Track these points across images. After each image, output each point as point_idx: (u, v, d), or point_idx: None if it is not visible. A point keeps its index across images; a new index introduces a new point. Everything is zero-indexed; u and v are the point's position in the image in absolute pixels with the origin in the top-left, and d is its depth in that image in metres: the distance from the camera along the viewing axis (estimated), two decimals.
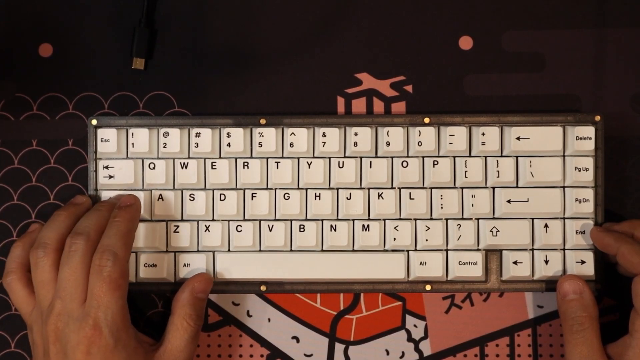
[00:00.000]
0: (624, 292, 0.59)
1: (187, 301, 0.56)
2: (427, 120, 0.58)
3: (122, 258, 0.53)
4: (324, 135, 0.58)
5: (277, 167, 0.58)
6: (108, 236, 0.53)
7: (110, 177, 0.58)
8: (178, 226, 0.58)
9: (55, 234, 0.54)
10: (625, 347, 0.53)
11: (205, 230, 0.58)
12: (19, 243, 0.56)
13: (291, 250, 0.58)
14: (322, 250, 0.58)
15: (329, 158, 0.58)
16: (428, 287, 0.58)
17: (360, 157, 0.58)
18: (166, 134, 0.58)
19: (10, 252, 0.56)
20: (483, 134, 0.58)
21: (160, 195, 0.58)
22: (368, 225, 0.58)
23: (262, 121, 0.58)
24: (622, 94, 0.60)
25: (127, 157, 0.58)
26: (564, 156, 0.58)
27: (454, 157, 0.58)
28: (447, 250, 0.58)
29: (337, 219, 0.58)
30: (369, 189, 0.58)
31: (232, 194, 0.58)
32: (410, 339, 0.60)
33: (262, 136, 0.58)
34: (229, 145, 0.58)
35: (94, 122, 0.58)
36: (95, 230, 0.54)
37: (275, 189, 0.58)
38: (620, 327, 0.59)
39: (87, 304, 0.52)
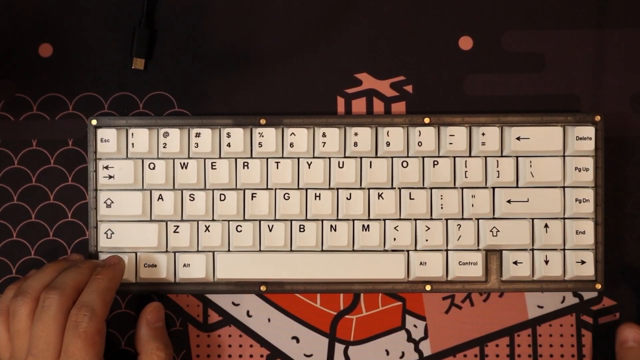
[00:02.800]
0: (624, 292, 0.59)
1: (149, 336, 0.55)
2: (427, 120, 0.58)
3: (100, 315, 0.51)
4: (324, 135, 0.58)
5: (277, 167, 0.58)
6: (88, 292, 0.52)
7: (110, 177, 0.58)
8: (178, 226, 0.58)
9: (38, 284, 0.53)
10: None
11: (205, 231, 0.58)
12: (13, 286, 0.55)
13: (291, 251, 0.58)
14: (322, 251, 0.58)
15: (329, 158, 0.58)
16: (428, 287, 0.58)
17: (360, 157, 0.58)
18: (166, 134, 0.58)
19: (3, 294, 0.55)
20: (483, 134, 0.58)
21: (160, 195, 0.58)
22: (368, 226, 0.58)
23: (262, 121, 0.58)
24: (622, 94, 0.60)
25: (127, 157, 0.58)
26: (564, 156, 0.58)
27: (454, 157, 0.58)
28: (447, 250, 0.58)
29: (337, 219, 0.58)
30: (369, 189, 0.58)
31: (232, 194, 0.58)
32: (410, 339, 0.60)
33: (262, 136, 0.58)
34: (229, 145, 0.58)
35: (94, 122, 0.58)
36: (72, 286, 0.52)
37: (275, 189, 0.58)
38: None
39: None
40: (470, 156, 0.58)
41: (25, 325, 0.52)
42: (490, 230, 0.57)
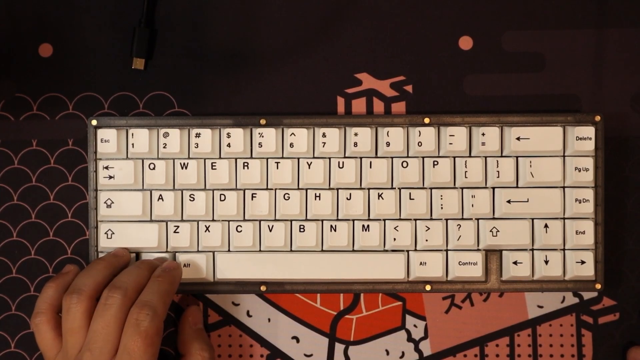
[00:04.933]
0: (624, 292, 0.59)
1: (192, 337, 0.57)
2: (427, 120, 0.58)
3: (161, 316, 0.52)
4: (324, 135, 0.58)
5: (277, 168, 0.58)
6: (149, 292, 0.53)
7: (110, 177, 0.58)
8: (178, 226, 0.58)
9: (91, 282, 0.53)
10: None
11: (205, 231, 0.58)
12: (52, 284, 0.55)
13: (291, 251, 0.58)
14: (322, 251, 0.58)
15: (329, 158, 0.58)
16: (428, 287, 0.58)
17: (360, 158, 0.58)
18: (166, 134, 0.58)
19: (42, 291, 0.55)
20: (483, 134, 0.58)
21: (160, 195, 0.58)
22: (368, 226, 0.58)
23: (262, 121, 0.58)
24: (622, 94, 0.60)
25: (127, 157, 0.58)
26: (564, 156, 0.58)
27: (454, 157, 0.58)
28: (447, 250, 0.58)
29: (337, 219, 0.58)
30: (369, 189, 0.58)
31: (232, 194, 0.58)
32: (410, 339, 0.60)
33: (262, 136, 0.58)
34: (229, 145, 0.58)
35: (94, 122, 0.58)
36: (133, 287, 0.53)
37: (275, 189, 0.58)
38: (620, 327, 0.59)
39: (117, 357, 0.51)
40: (470, 156, 0.58)
41: (81, 323, 0.52)
42: (490, 230, 0.57)
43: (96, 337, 0.51)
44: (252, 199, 0.58)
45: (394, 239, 0.57)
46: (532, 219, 0.58)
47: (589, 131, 0.57)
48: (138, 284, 0.54)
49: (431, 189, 0.58)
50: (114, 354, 0.51)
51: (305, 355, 0.60)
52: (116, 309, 0.51)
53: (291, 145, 0.58)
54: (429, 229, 0.57)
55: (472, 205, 0.57)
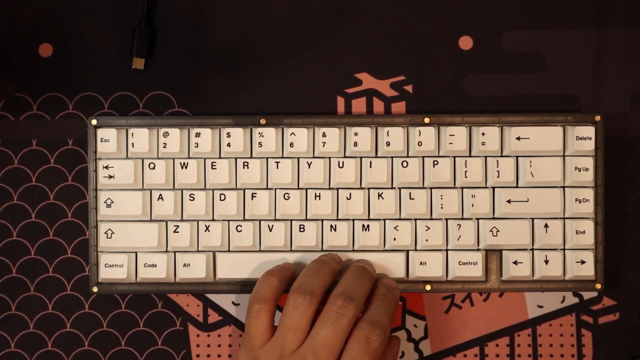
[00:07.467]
0: (624, 292, 0.59)
1: None
2: (427, 120, 0.58)
3: (387, 337, 0.53)
4: (324, 135, 0.58)
5: (277, 167, 0.58)
6: (381, 312, 0.53)
7: (110, 177, 0.58)
8: (178, 226, 0.58)
9: (321, 285, 0.54)
10: None
11: (205, 230, 0.58)
12: (276, 274, 0.55)
13: (291, 250, 0.58)
14: (322, 250, 0.58)
15: (329, 158, 0.58)
16: (428, 287, 0.58)
17: (360, 157, 0.58)
18: (166, 134, 0.58)
19: (264, 279, 0.55)
20: (483, 134, 0.58)
21: (160, 195, 0.58)
22: (368, 225, 0.58)
23: (262, 121, 0.58)
24: (622, 94, 0.60)
25: (127, 157, 0.58)
26: (564, 156, 0.58)
27: (454, 157, 0.58)
28: (447, 250, 0.58)
29: (337, 219, 0.58)
30: (369, 189, 0.58)
31: (232, 194, 0.58)
32: (410, 339, 0.60)
33: (262, 136, 0.58)
34: (229, 145, 0.58)
35: (94, 122, 0.58)
36: (364, 300, 0.54)
37: (275, 189, 0.58)
38: (620, 327, 0.59)
39: None
40: (470, 156, 0.58)
41: (306, 323, 0.52)
42: (490, 230, 0.57)
43: (325, 344, 0.51)
44: (252, 199, 0.58)
45: (394, 239, 0.57)
46: (532, 219, 0.58)
47: (589, 131, 0.57)
48: (366, 296, 0.54)
49: (431, 188, 0.58)
50: None
51: None
52: (348, 320, 0.52)
53: (291, 145, 0.58)
54: (429, 228, 0.57)
55: (472, 205, 0.57)
